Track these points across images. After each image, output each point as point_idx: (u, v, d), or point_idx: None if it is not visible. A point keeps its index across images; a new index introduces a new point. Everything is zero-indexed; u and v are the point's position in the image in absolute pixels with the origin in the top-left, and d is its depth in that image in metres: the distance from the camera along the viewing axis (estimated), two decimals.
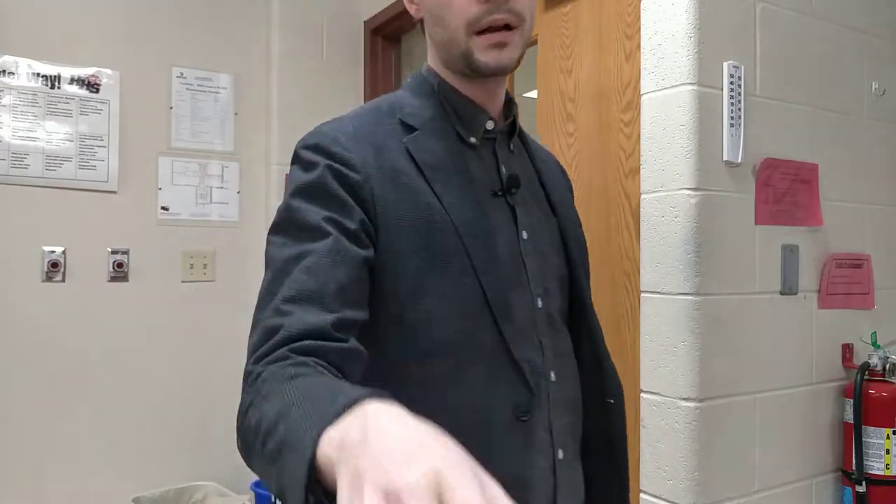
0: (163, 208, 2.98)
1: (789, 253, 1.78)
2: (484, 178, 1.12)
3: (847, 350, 1.91)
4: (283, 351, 0.84)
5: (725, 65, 1.64)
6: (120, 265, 2.86)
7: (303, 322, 0.88)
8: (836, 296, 1.88)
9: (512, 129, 1.20)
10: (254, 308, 0.96)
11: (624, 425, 1.24)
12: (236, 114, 3.15)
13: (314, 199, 0.99)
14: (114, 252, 2.87)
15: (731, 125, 1.64)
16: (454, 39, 1.07)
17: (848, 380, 1.89)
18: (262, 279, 0.99)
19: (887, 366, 1.82)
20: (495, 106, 1.17)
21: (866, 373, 1.82)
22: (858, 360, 1.87)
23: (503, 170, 1.15)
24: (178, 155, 3.03)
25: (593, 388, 1.20)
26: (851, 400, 1.81)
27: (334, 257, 0.94)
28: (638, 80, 1.73)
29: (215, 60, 3.12)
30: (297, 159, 1.07)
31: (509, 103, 1.20)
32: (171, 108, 3.01)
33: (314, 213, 0.97)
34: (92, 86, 2.84)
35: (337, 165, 1.00)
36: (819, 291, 1.85)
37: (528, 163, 1.24)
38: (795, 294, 1.80)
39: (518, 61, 1.09)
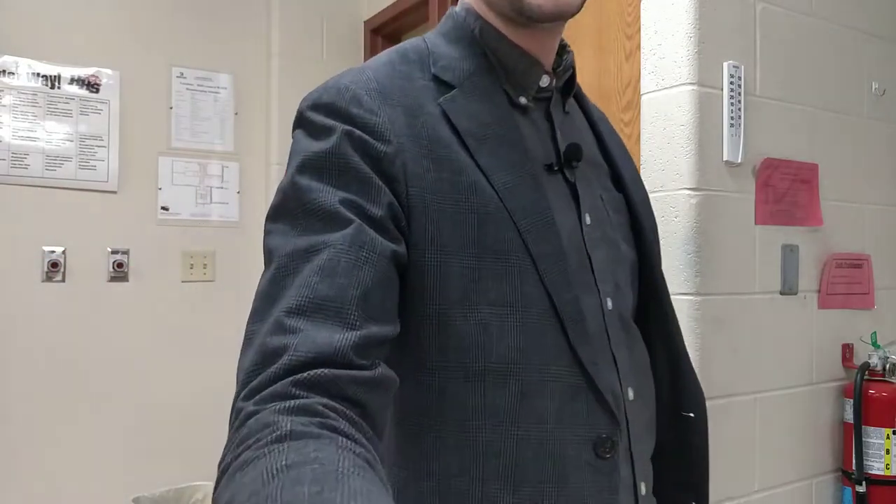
0: (163, 208, 2.98)
1: (789, 253, 1.78)
2: (538, 149, 0.91)
3: (847, 350, 1.91)
4: (283, 384, 0.63)
5: (725, 65, 1.64)
6: (120, 265, 2.86)
7: (313, 344, 0.66)
8: (836, 296, 1.88)
9: (569, 85, 0.99)
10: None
11: (705, 443, 1.03)
12: (236, 114, 3.15)
13: (328, 176, 0.77)
14: (114, 252, 2.87)
15: (732, 125, 1.64)
16: None
17: (848, 380, 1.89)
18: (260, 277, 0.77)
19: (887, 366, 1.82)
20: (550, 57, 0.95)
21: (866, 373, 1.81)
22: (858, 360, 1.87)
23: (560, 137, 0.94)
24: (178, 155, 3.03)
25: (668, 397, 1.01)
26: (851, 400, 1.81)
27: (357, 253, 0.73)
28: (638, 80, 1.73)
29: (215, 60, 3.12)
30: (303, 122, 0.85)
31: (562, 52, 0.98)
32: (171, 107, 3.01)
33: (328, 194, 0.76)
34: (92, 86, 2.84)
35: (358, 132, 0.79)
36: (819, 291, 1.85)
37: (586, 126, 1.03)
38: (795, 294, 1.80)
39: (580, 5, 0.89)
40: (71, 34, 2.82)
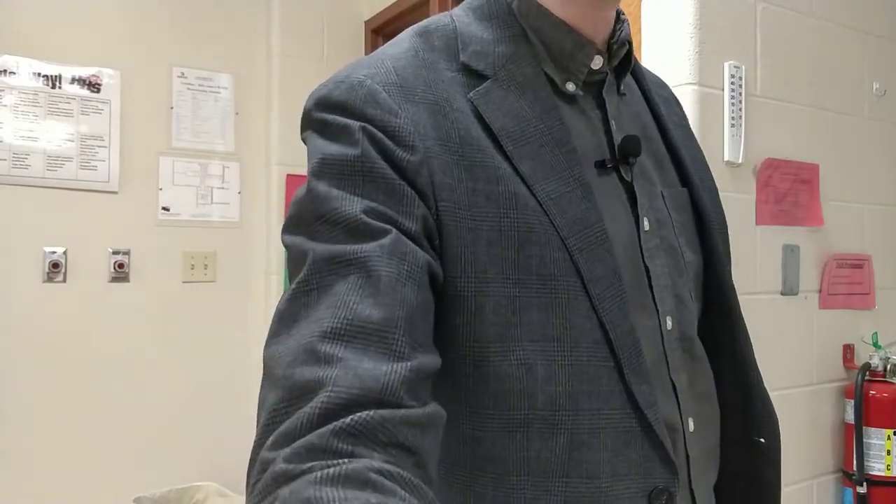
0: (164, 209, 2.97)
1: (790, 253, 1.77)
2: (588, 145, 0.77)
3: (848, 351, 1.90)
4: (322, 434, 0.51)
5: (726, 65, 1.64)
6: (121, 265, 2.86)
7: (356, 378, 0.54)
8: (837, 296, 1.88)
9: (625, 63, 0.84)
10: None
11: (777, 476, 0.91)
12: (237, 114, 3.15)
13: (350, 182, 0.65)
14: (115, 252, 2.86)
15: (732, 125, 1.64)
16: None
17: (849, 380, 1.88)
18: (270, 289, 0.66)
19: (888, 366, 1.82)
20: (604, 33, 0.80)
21: (867, 373, 1.81)
22: (859, 361, 1.87)
23: (614, 128, 0.80)
24: (179, 155, 3.03)
25: (736, 422, 0.88)
26: (852, 401, 1.80)
27: (399, 265, 0.61)
28: None
29: (216, 60, 3.12)
30: (312, 122, 0.72)
31: (616, 21, 0.82)
32: (172, 107, 3.01)
33: (352, 203, 0.64)
34: (93, 86, 2.84)
35: (379, 134, 0.67)
36: (820, 292, 1.85)
37: (645, 109, 0.88)
38: (796, 294, 1.80)
39: None
40: (72, 34, 2.82)
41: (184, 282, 3.02)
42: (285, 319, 0.60)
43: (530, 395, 0.69)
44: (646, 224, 0.79)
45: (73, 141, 2.79)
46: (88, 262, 2.83)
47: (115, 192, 2.88)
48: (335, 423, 0.51)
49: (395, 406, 0.55)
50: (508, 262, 0.69)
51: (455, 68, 0.74)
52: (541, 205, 0.70)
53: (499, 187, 0.70)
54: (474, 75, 0.74)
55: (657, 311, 0.77)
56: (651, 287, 0.77)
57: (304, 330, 0.58)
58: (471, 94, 0.73)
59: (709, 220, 0.87)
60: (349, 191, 0.65)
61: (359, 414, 0.52)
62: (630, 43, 0.84)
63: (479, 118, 0.72)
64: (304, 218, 0.66)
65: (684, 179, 0.87)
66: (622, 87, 0.84)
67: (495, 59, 0.75)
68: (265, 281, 3.15)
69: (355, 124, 0.67)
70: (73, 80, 2.81)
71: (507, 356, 0.69)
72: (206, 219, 3.07)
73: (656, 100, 0.90)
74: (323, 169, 0.67)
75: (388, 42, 0.78)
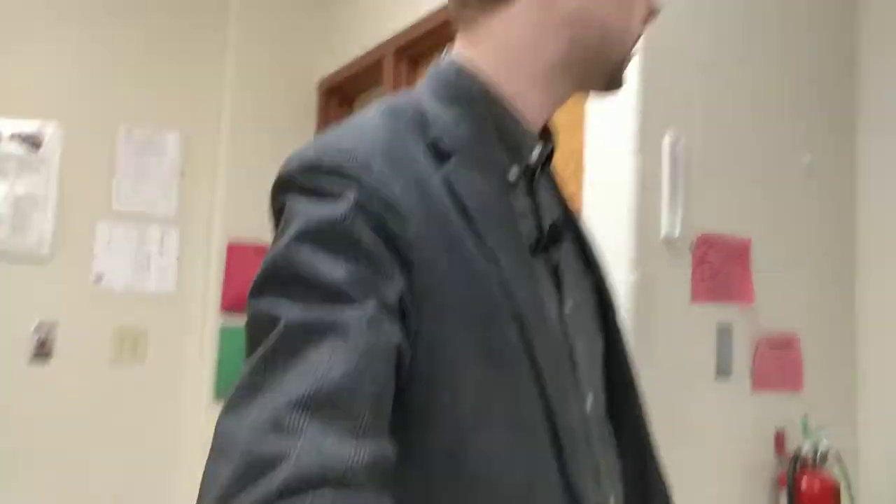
0: (96, 278, 2.87)
1: (724, 332, 1.79)
2: (525, 229, 0.80)
3: (780, 437, 1.89)
4: None
5: (666, 136, 1.68)
6: (43, 344, 2.73)
7: (319, 454, 0.53)
8: (769, 377, 1.88)
9: (551, 154, 0.89)
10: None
11: None
12: (182, 174, 3.08)
13: (335, 248, 0.63)
14: (38, 329, 2.74)
15: (671, 196, 1.67)
16: (624, 40, 0.82)
17: (781, 468, 1.87)
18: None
19: (818, 455, 1.81)
20: (544, 122, 0.86)
21: (797, 465, 1.80)
22: (792, 445, 1.86)
23: (543, 214, 0.83)
24: (118, 219, 2.94)
25: (637, 493, 0.89)
26: (785, 488, 1.79)
27: (377, 338, 0.60)
28: (581, 152, 1.76)
29: (163, 119, 3.06)
30: (296, 187, 0.69)
31: None
32: (114, 168, 2.94)
33: (334, 267, 0.62)
34: (33, 144, 2.78)
35: (373, 206, 0.66)
36: (752, 373, 1.85)
37: (553, 196, 0.92)
38: (730, 376, 1.80)
39: None
40: (14, 89, 2.79)
41: (110, 360, 2.88)
42: (245, 390, 0.58)
43: (495, 484, 0.69)
44: (568, 307, 0.82)
45: (5, 204, 2.71)
46: (8, 337, 2.69)
47: (44, 263, 2.77)
48: (293, 500, 0.50)
49: (355, 487, 0.53)
50: (478, 344, 0.69)
51: (422, 144, 0.75)
52: (503, 284, 0.71)
53: (471, 266, 0.70)
54: (440, 153, 0.75)
55: (581, 391, 0.80)
56: (574, 367, 0.80)
57: (268, 402, 0.56)
58: (441, 170, 0.73)
59: (610, 300, 0.92)
60: (333, 255, 0.63)
61: (319, 491, 0.51)
62: (555, 135, 0.89)
63: (451, 194, 0.72)
64: (279, 278, 0.64)
65: (587, 262, 0.92)
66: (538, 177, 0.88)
67: (459, 139, 0.77)
68: (199, 360, 3.00)
69: (350, 191, 0.66)
70: (13, 137, 2.75)
71: (476, 444, 0.68)
72: (140, 290, 2.96)
73: (562, 191, 0.95)
74: (308, 231, 0.65)
75: (356, 116, 0.80)
